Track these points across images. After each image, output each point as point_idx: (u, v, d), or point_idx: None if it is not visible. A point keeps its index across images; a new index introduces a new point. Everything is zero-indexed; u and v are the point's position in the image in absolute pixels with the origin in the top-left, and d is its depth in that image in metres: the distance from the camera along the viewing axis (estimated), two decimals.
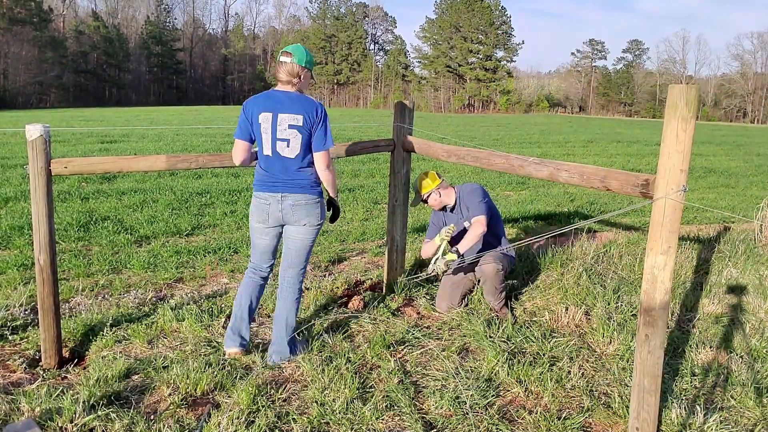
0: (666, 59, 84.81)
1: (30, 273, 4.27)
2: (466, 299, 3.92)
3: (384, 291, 4.14)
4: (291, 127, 2.79)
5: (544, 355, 3.12)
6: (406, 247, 4.29)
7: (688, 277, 4.53)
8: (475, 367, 3.01)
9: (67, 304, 3.77)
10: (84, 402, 2.47)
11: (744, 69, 77.09)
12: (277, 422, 2.48)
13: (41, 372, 2.96)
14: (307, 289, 4.08)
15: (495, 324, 3.47)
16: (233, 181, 8.66)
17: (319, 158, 2.86)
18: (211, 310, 3.64)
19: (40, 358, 3.09)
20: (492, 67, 77.49)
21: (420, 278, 4.16)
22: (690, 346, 3.29)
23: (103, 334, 3.34)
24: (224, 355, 3.07)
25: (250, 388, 2.65)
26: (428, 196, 3.89)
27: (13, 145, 12.06)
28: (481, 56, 77.87)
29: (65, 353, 3.19)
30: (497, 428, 2.49)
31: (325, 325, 3.48)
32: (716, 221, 7.26)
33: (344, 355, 3.05)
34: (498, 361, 3.00)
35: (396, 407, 2.63)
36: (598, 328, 3.43)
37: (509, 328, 3.41)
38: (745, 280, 4.42)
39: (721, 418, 2.54)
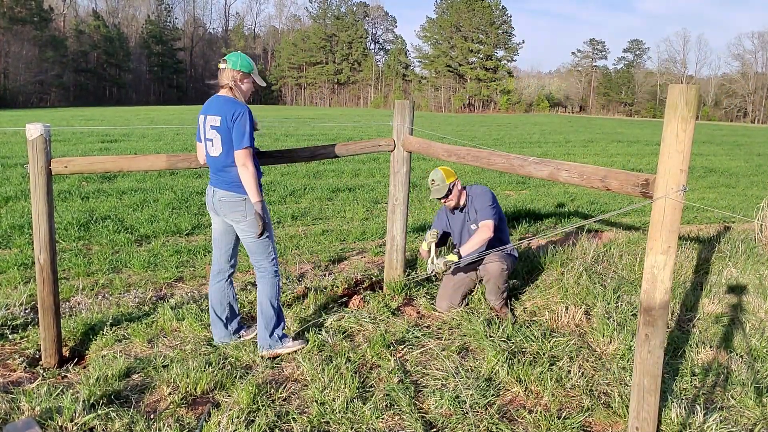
0: (666, 59, 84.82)
1: (30, 272, 4.27)
2: (466, 299, 3.92)
3: (384, 290, 4.14)
4: (212, 128, 2.96)
5: (544, 354, 3.12)
6: (406, 246, 4.29)
7: (689, 276, 4.53)
8: (475, 367, 3.01)
9: (67, 303, 3.77)
10: (84, 401, 2.47)
11: (744, 69, 77.04)
12: (277, 421, 2.48)
13: (41, 371, 2.96)
14: (308, 288, 4.09)
15: (495, 323, 3.47)
16: None
17: (236, 156, 2.93)
18: None
19: (40, 357, 3.09)
20: (492, 67, 77.46)
21: (420, 278, 4.16)
22: (690, 345, 3.29)
23: (103, 334, 3.34)
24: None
25: (250, 388, 2.66)
26: (452, 186, 3.77)
27: (14, 144, 12.07)
28: (481, 56, 77.84)
29: (65, 352, 3.19)
30: (497, 427, 2.49)
31: (325, 324, 3.48)
32: (716, 221, 7.26)
33: (344, 354, 3.05)
34: (498, 360, 3.00)
35: (396, 406, 2.63)
36: (598, 328, 3.43)
37: (509, 327, 3.41)
38: (745, 279, 4.42)
39: (720, 418, 2.54)
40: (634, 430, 2.30)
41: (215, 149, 2.98)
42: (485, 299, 3.89)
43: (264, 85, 3.23)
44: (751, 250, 5.25)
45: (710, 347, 3.27)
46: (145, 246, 5.27)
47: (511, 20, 78.51)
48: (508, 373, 2.90)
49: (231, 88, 2.97)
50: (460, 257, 3.60)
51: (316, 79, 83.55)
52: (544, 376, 2.86)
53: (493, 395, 2.74)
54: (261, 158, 3.44)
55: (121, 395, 2.65)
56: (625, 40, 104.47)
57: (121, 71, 70.76)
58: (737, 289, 4.18)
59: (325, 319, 3.53)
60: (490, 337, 3.30)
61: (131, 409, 2.49)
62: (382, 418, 2.54)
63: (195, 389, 2.70)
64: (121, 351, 3.16)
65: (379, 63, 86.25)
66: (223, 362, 2.99)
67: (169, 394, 2.66)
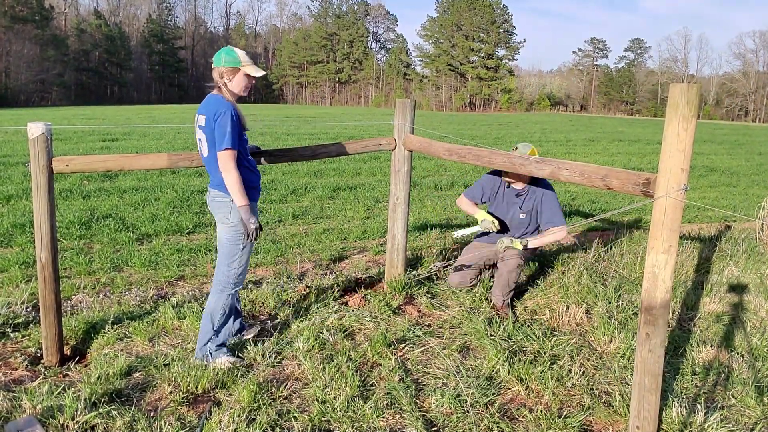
0: (668, 58, 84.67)
1: (32, 271, 4.28)
2: (476, 279, 4.04)
3: (385, 289, 4.14)
4: (200, 127, 2.89)
5: (544, 353, 3.12)
6: (407, 245, 4.29)
7: (689, 275, 4.53)
8: (475, 366, 3.01)
9: (68, 302, 3.77)
10: (85, 399, 2.48)
11: (746, 68, 76.90)
12: (278, 420, 2.48)
13: (43, 369, 2.97)
14: (309, 287, 4.09)
15: (496, 322, 3.47)
16: None
17: (218, 158, 2.79)
18: None
19: (41, 355, 3.09)
20: (493, 66, 77.38)
21: (421, 276, 4.16)
22: (691, 344, 3.29)
23: (104, 332, 3.34)
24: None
25: (251, 386, 2.66)
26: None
27: (15, 143, 12.08)
28: (482, 55, 77.75)
29: (67, 351, 3.20)
30: (498, 426, 2.49)
31: (326, 322, 3.48)
32: (717, 220, 7.25)
33: (345, 353, 3.06)
34: (499, 359, 3.00)
35: (397, 405, 2.63)
36: (599, 327, 3.43)
37: (510, 326, 3.42)
38: (746, 278, 4.41)
39: (721, 417, 2.54)
40: (634, 429, 2.30)
41: (204, 149, 2.92)
42: (488, 295, 3.89)
43: (260, 74, 2.97)
44: (752, 249, 5.25)
45: (711, 346, 3.27)
46: (147, 245, 5.27)
47: (512, 19, 78.49)
48: (508, 372, 2.90)
49: (220, 87, 2.90)
50: (524, 247, 3.70)
51: (318, 77, 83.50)
52: (545, 375, 2.87)
53: (493, 394, 2.74)
54: (262, 157, 3.44)
55: (122, 394, 2.66)
56: (627, 39, 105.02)
57: (122, 70, 70.78)
58: (738, 288, 4.18)
59: (326, 318, 3.53)
60: (491, 336, 3.30)
61: (132, 408, 2.50)
62: (383, 417, 2.54)
63: (196, 388, 2.70)
64: (122, 349, 3.16)
65: (380, 62, 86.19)
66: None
67: (171, 392, 2.66)
